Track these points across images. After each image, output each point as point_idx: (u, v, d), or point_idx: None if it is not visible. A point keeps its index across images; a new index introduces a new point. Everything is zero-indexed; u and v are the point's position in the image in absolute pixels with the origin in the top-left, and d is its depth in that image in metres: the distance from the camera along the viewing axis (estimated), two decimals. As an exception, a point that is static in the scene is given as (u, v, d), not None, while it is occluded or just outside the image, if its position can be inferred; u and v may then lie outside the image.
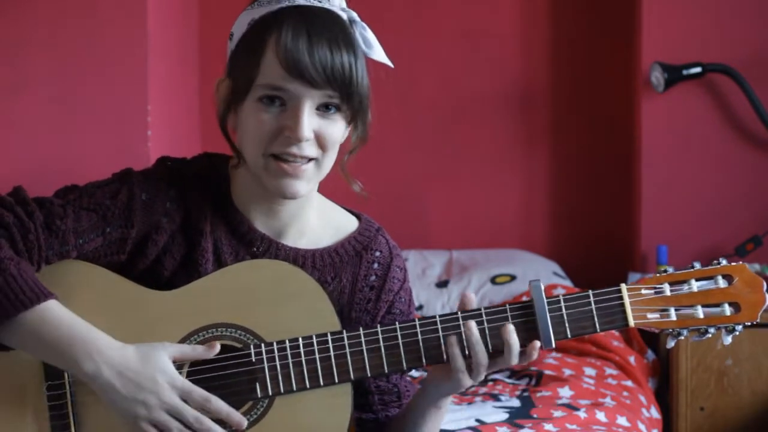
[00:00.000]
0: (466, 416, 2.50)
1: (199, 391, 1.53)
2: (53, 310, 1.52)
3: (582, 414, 2.53)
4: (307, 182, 1.60)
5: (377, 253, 1.71)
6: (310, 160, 1.59)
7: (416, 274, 3.49)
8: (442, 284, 3.47)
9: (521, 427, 2.44)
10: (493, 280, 3.43)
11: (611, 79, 3.71)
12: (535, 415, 2.53)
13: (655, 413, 2.88)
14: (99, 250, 1.60)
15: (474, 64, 3.75)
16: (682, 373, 3.03)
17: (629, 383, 2.91)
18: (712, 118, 3.46)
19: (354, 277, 1.70)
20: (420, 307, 3.38)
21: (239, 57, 1.60)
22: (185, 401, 1.52)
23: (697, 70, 3.34)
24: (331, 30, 1.56)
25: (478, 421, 2.48)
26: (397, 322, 1.58)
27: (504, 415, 2.53)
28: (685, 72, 3.34)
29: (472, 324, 1.57)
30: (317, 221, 1.71)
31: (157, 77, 3.29)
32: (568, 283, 3.43)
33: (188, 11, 3.72)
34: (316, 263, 1.68)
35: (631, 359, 3.03)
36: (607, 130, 3.73)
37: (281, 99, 1.56)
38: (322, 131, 1.58)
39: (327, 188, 1.74)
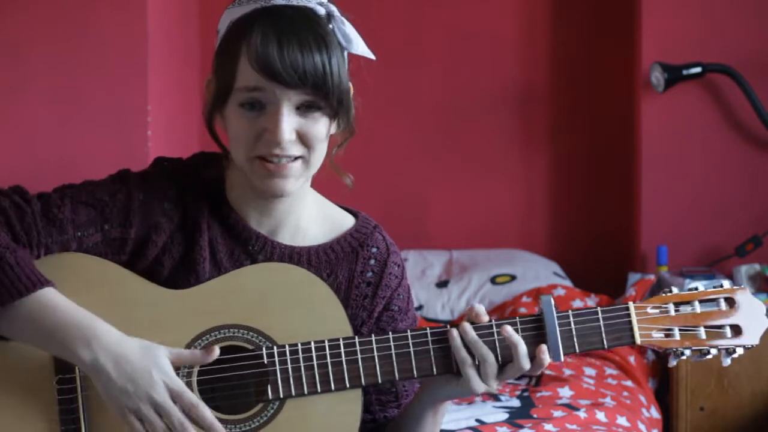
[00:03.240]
0: (466, 416, 2.51)
1: (189, 395, 1.51)
2: (51, 297, 1.51)
3: (582, 414, 2.54)
4: (295, 180, 1.59)
5: (374, 250, 1.71)
6: (297, 158, 1.58)
7: (416, 274, 3.49)
8: (442, 284, 3.46)
9: (521, 427, 2.45)
10: (493, 280, 3.43)
11: (611, 79, 3.71)
12: (535, 415, 2.53)
13: (655, 413, 2.88)
14: (99, 246, 1.60)
15: (474, 64, 3.75)
16: (682, 373, 3.02)
17: (629, 383, 2.91)
18: (712, 118, 3.46)
19: (350, 274, 1.69)
20: (420, 308, 3.38)
21: (219, 60, 1.63)
22: (175, 402, 1.51)
23: (697, 70, 3.33)
24: (302, 31, 1.55)
25: (478, 421, 2.48)
26: (408, 331, 1.59)
27: (504, 415, 2.53)
28: (685, 72, 3.33)
29: (467, 325, 1.57)
30: (313, 218, 1.70)
31: (157, 77, 3.29)
32: (568, 283, 3.43)
33: (188, 11, 3.72)
34: (312, 260, 1.67)
35: (631, 359, 3.03)
36: (607, 130, 3.73)
37: (260, 102, 1.56)
38: (304, 130, 1.57)
39: (325, 189, 1.74)
